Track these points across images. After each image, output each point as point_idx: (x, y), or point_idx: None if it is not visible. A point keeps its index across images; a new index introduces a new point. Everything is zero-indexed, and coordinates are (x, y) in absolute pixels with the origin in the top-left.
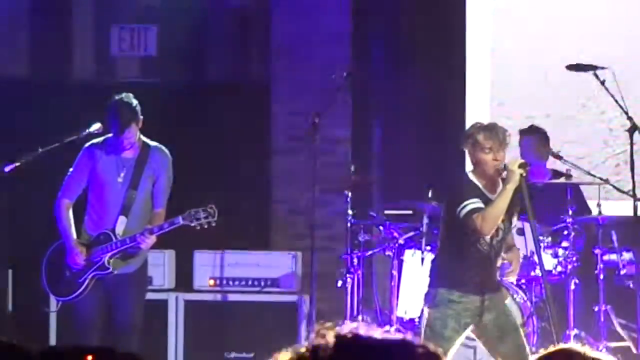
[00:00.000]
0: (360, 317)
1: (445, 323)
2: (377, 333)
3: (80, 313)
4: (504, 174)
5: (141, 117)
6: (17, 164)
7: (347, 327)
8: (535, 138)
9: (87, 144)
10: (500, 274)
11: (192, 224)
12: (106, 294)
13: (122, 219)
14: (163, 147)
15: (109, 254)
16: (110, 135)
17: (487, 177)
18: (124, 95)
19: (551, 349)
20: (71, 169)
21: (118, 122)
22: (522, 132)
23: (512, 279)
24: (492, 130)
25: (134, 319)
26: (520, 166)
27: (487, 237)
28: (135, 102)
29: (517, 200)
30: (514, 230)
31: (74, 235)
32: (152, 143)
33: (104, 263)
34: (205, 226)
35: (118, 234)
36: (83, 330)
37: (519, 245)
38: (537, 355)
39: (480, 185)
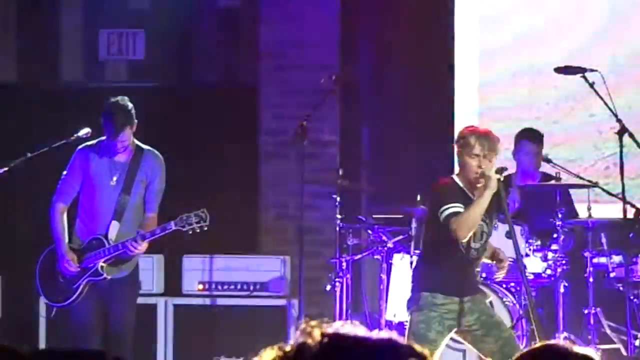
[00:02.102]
0: (349, 321)
1: (430, 326)
2: (363, 332)
3: (75, 318)
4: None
5: (136, 121)
6: (6, 168)
7: (333, 326)
8: (540, 145)
9: (80, 146)
10: (488, 276)
11: (185, 229)
12: (100, 298)
13: (114, 224)
14: (156, 152)
15: (102, 260)
16: (103, 137)
17: (469, 179)
18: (119, 98)
19: (535, 345)
20: (65, 172)
21: (113, 125)
22: (528, 137)
23: (502, 275)
24: (486, 137)
25: (128, 323)
26: (497, 171)
27: (472, 240)
28: (130, 105)
29: (499, 203)
30: (502, 233)
31: (66, 242)
32: (146, 147)
33: (98, 269)
34: (198, 230)
35: (111, 239)
36: (79, 335)
37: (508, 247)
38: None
39: (463, 186)
